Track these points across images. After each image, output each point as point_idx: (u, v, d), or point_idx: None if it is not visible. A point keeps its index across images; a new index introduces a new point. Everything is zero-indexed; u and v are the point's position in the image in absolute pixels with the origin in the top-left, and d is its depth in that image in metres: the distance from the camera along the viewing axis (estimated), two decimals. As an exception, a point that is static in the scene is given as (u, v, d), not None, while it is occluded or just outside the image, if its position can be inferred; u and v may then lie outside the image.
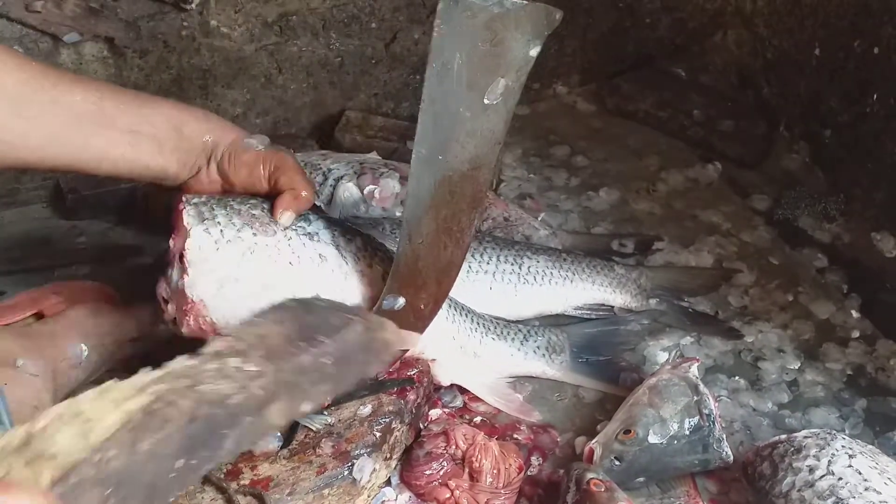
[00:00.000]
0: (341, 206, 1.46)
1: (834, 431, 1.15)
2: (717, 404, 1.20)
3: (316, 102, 1.81)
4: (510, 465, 1.16)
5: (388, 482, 1.16)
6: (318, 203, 1.31)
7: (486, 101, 0.92)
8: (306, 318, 0.90)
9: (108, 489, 0.71)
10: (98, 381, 1.20)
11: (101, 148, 1.09)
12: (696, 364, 1.24)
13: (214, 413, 0.78)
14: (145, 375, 0.77)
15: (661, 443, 1.15)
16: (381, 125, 1.79)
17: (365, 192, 1.47)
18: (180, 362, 0.80)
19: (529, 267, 1.41)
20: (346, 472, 1.09)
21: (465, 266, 1.17)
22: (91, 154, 1.09)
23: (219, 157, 1.14)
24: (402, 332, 1.02)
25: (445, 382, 1.27)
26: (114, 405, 0.74)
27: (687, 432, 1.16)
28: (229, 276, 1.09)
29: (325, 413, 1.14)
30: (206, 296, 1.08)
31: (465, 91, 0.91)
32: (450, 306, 1.24)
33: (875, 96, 1.60)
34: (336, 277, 1.13)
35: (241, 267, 1.09)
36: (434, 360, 1.25)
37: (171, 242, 1.11)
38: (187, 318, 1.08)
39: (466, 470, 1.15)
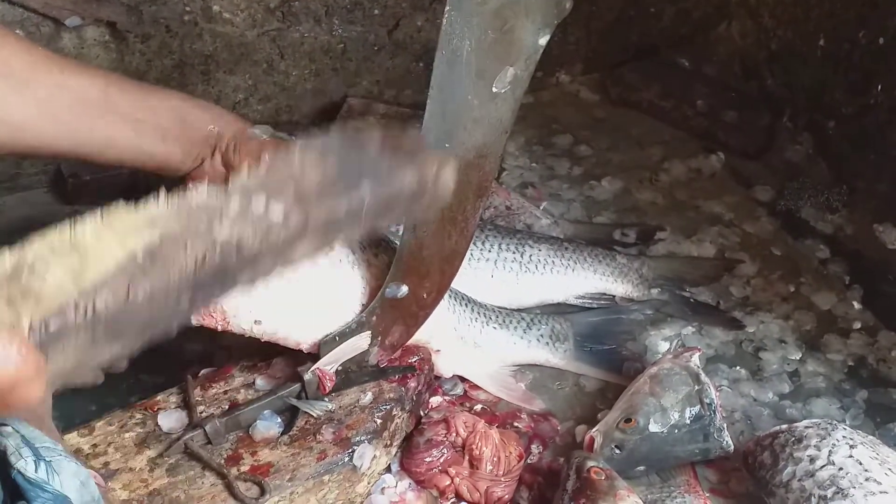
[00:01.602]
0: None
1: (835, 422, 1.15)
2: (718, 394, 1.20)
3: (318, 89, 1.81)
4: (510, 452, 1.16)
5: (388, 469, 1.16)
6: None
7: (494, 90, 0.91)
8: (352, 156, 0.77)
9: (97, 332, 0.65)
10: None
11: (106, 134, 1.09)
12: (698, 354, 1.24)
13: (228, 257, 0.69)
14: (158, 206, 0.68)
15: (662, 432, 1.15)
16: (384, 112, 1.79)
17: None
18: (201, 195, 0.70)
19: (531, 255, 1.41)
20: (346, 459, 1.09)
21: (466, 254, 1.17)
22: (96, 140, 1.09)
23: (223, 148, 1.14)
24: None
25: (447, 374, 1.28)
26: (116, 238, 0.65)
27: (688, 421, 1.16)
28: None
29: (326, 399, 1.14)
30: None
31: (474, 79, 0.90)
32: (450, 296, 1.24)
33: (880, 87, 1.59)
34: (344, 266, 1.13)
35: None
36: (438, 350, 1.25)
37: None
38: None
39: (466, 457, 1.15)
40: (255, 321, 1.10)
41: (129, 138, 1.10)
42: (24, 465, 0.81)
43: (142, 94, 1.12)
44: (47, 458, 0.83)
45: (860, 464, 1.06)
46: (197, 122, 1.13)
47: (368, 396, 1.15)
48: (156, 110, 1.11)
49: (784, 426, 1.15)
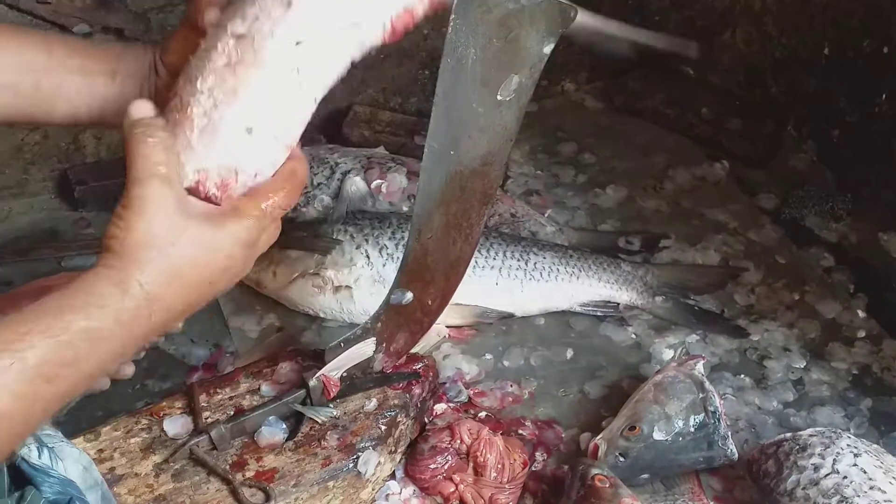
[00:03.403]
0: (348, 200, 1.46)
1: (839, 430, 1.15)
2: (722, 402, 1.20)
3: (324, 96, 1.81)
4: (515, 460, 1.16)
5: (392, 475, 1.17)
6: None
7: (499, 98, 0.92)
8: None
9: None
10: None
11: (53, 88, 1.06)
12: (702, 362, 1.25)
13: None
14: None
15: (666, 440, 1.15)
16: (389, 120, 1.79)
17: (372, 186, 1.48)
18: None
19: (536, 263, 1.41)
20: (350, 465, 1.09)
21: (471, 261, 1.17)
22: (44, 95, 1.06)
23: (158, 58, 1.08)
24: None
25: None
26: None
27: (692, 429, 1.16)
28: None
29: (331, 405, 1.14)
30: None
31: (479, 87, 0.90)
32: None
33: (884, 96, 1.60)
34: None
35: None
36: None
37: None
38: None
39: (471, 464, 1.15)
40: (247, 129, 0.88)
41: (78, 86, 1.07)
42: (28, 451, 0.81)
43: (84, 45, 1.10)
44: (49, 445, 0.83)
45: (864, 472, 1.06)
46: (138, 53, 1.08)
47: (373, 403, 1.16)
48: (101, 55, 1.08)
49: (788, 434, 1.15)
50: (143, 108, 0.88)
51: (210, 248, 0.81)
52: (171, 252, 0.79)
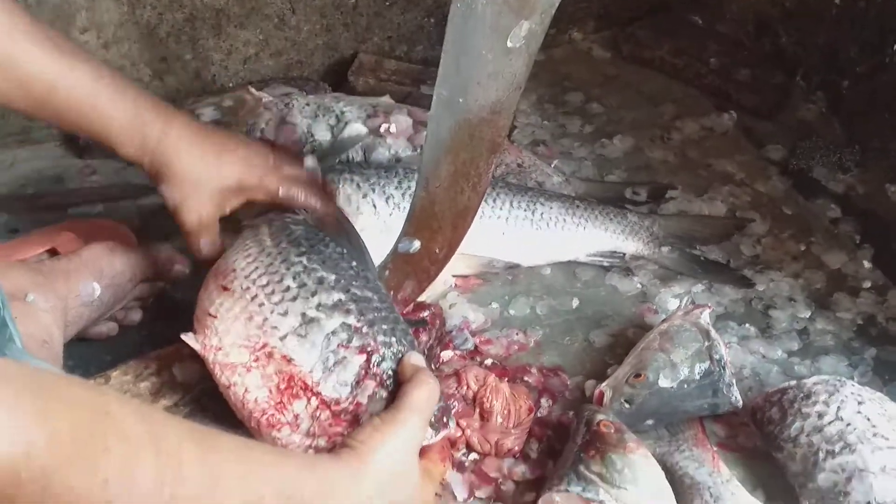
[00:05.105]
0: (349, 144, 1.46)
1: (843, 379, 1.16)
2: (727, 350, 1.21)
3: (329, 45, 1.80)
4: (520, 406, 1.17)
5: (400, 421, 1.17)
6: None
7: (509, 44, 0.91)
8: None
9: None
10: (111, 319, 1.23)
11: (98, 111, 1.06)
12: (708, 311, 1.25)
13: None
14: None
15: (672, 387, 1.16)
16: (395, 69, 1.78)
17: (381, 129, 1.47)
18: None
19: (542, 213, 1.41)
20: (359, 411, 1.09)
21: (478, 211, 1.17)
22: (70, 107, 1.06)
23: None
24: None
25: None
26: None
27: (697, 377, 1.17)
28: None
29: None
30: None
31: (489, 33, 0.90)
32: None
33: (895, 47, 1.58)
34: None
35: None
36: None
37: None
38: None
39: (477, 410, 1.16)
40: None
41: (121, 124, 1.07)
42: None
43: (135, 89, 1.10)
44: None
45: (868, 420, 1.07)
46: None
47: (381, 350, 1.16)
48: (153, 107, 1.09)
49: (793, 382, 1.16)
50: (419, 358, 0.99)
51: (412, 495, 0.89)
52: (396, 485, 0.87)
